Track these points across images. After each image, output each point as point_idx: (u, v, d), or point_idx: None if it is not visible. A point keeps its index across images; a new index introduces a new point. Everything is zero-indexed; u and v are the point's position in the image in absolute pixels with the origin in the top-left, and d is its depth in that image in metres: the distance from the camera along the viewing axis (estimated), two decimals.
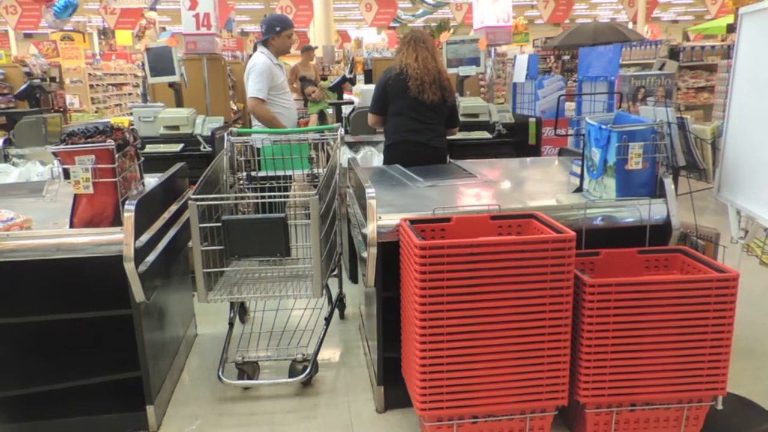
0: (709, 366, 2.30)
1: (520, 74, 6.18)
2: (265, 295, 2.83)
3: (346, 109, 5.63)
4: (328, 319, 3.22)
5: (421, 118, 3.72)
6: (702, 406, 2.40)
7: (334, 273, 3.38)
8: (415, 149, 3.72)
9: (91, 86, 13.27)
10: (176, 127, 4.55)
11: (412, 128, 3.73)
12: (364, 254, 2.56)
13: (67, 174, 2.40)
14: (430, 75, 3.69)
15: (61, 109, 9.19)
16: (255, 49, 4.68)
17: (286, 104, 4.54)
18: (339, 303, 3.64)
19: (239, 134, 3.44)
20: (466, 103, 4.99)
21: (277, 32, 4.46)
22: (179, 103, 5.22)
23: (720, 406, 2.49)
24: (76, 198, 2.44)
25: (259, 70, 4.32)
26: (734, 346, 2.31)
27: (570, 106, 5.96)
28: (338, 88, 5.72)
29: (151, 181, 2.89)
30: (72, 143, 2.40)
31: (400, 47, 3.86)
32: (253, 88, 4.33)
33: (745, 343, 3.19)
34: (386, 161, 3.89)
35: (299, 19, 15.62)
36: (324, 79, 10.40)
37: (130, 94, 15.81)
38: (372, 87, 5.42)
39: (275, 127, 4.23)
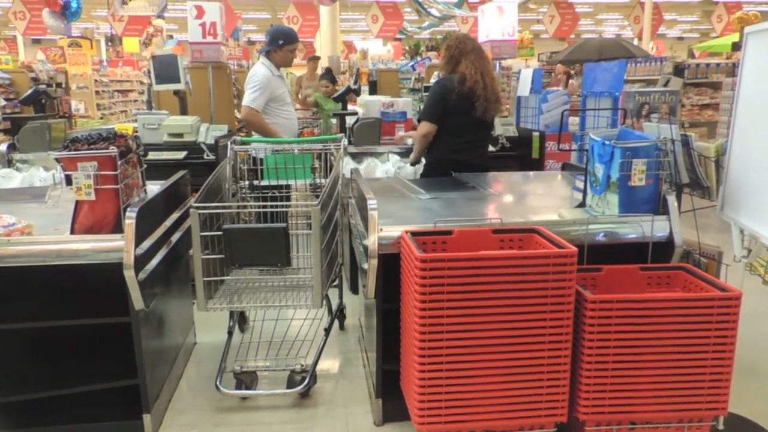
0: (711, 385, 2.28)
1: (524, 88, 6.19)
2: (264, 305, 2.82)
3: (350, 120, 5.63)
4: (327, 330, 3.21)
5: (472, 137, 3.70)
6: (703, 426, 2.38)
7: (335, 283, 3.37)
8: (456, 168, 3.68)
9: (97, 92, 13.33)
10: (180, 135, 4.56)
11: (458, 147, 3.69)
12: (365, 265, 2.55)
13: (69, 180, 2.40)
14: (494, 93, 3.62)
15: (67, 115, 9.23)
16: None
17: (286, 115, 4.54)
18: (339, 314, 3.62)
19: (242, 143, 3.44)
20: None
21: (279, 45, 4.42)
22: (184, 111, 5.23)
23: (721, 427, 2.47)
24: (78, 204, 2.44)
25: (257, 81, 4.31)
26: (736, 366, 2.29)
27: (574, 121, 5.96)
28: (343, 99, 5.72)
29: (154, 188, 2.89)
30: (75, 149, 2.41)
31: (457, 56, 3.66)
32: (248, 97, 4.31)
33: (747, 363, 3.16)
34: (425, 176, 3.90)
35: (305, 29, 15.68)
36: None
37: (135, 101, 15.86)
38: (377, 98, 5.44)
39: (269, 137, 4.23)
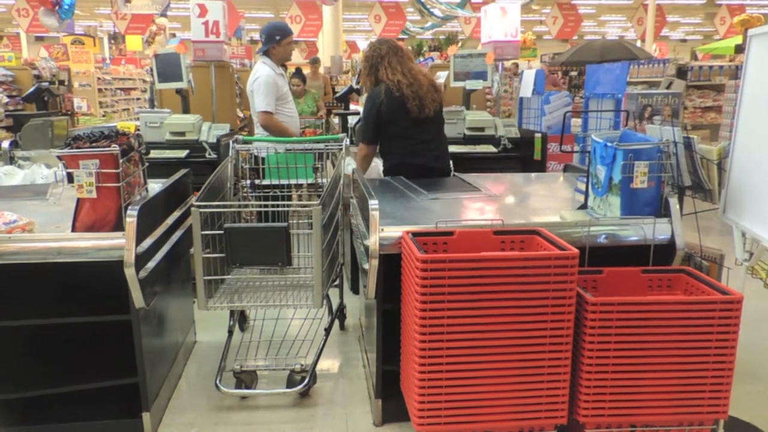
0: (711, 389, 2.27)
1: (526, 89, 6.20)
2: (265, 304, 2.82)
3: (352, 119, 5.63)
4: (327, 330, 3.21)
5: (423, 138, 3.60)
6: (703, 430, 2.37)
7: (336, 283, 3.37)
8: (416, 172, 3.57)
9: (100, 90, 13.32)
10: (182, 134, 4.56)
11: (411, 150, 3.61)
12: (366, 266, 2.55)
13: (70, 178, 2.40)
14: (423, 86, 3.52)
15: (69, 113, 9.23)
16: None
17: (289, 113, 4.55)
18: (339, 314, 3.62)
19: (244, 142, 3.44)
20: (472, 117, 4.99)
21: (277, 41, 4.43)
22: (186, 110, 5.23)
23: (721, 430, 2.46)
24: (79, 202, 2.44)
25: (264, 83, 4.30)
26: (737, 370, 2.28)
27: (576, 123, 5.97)
28: (345, 99, 5.73)
29: (155, 186, 2.89)
30: (77, 147, 2.41)
31: (375, 64, 3.60)
32: (261, 102, 4.31)
33: (748, 367, 3.16)
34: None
35: (308, 29, 15.72)
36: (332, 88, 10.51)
37: (138, 99, 15.87)
38: None
39: (288, 137, 4.22)
